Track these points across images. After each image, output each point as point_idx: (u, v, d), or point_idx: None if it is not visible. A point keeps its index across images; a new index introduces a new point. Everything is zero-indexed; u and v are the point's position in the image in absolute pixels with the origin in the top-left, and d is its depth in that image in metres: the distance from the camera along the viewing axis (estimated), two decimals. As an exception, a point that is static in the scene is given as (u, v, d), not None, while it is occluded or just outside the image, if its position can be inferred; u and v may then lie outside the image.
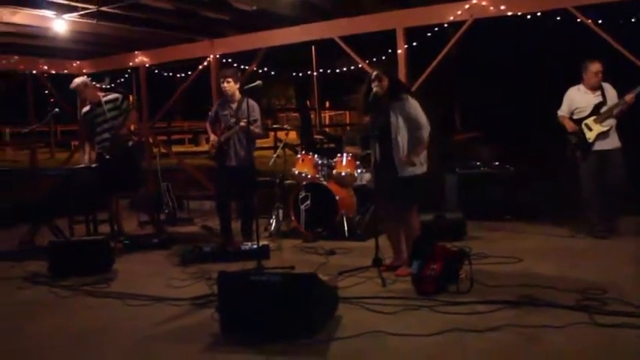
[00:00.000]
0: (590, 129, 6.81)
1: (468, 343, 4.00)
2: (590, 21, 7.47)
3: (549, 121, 7.19)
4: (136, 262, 6.84)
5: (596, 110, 6.80)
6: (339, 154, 7.95)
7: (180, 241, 7.59)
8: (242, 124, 6.74)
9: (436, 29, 8.45)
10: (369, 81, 5.73)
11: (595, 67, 6.77)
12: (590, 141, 6.79)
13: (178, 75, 11.61)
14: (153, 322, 4.71)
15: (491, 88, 19.68)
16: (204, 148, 20.76)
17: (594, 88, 6.84)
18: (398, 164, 5.57)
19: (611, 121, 6.77)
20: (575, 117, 6.92)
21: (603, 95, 6.80)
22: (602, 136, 6.76)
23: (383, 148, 5.66)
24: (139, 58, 10.82)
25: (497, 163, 8.33)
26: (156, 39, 10.10)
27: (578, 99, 6.93)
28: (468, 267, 5.19)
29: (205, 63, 10.16)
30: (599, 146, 6.79)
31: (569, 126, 6.94)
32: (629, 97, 6.59)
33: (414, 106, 5.61)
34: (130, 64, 10.99)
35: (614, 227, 6.87)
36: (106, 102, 7.81)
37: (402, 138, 5.56)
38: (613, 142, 6.79)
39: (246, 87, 6.34)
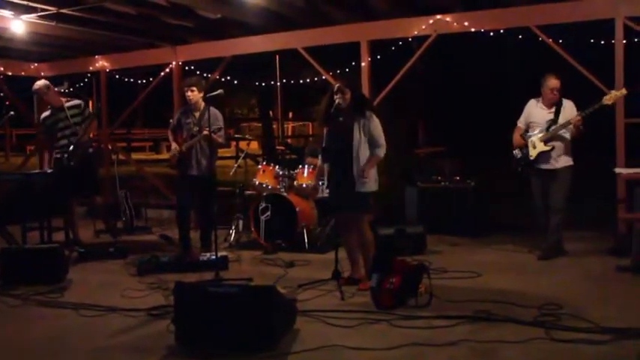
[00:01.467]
0: (534, 146, 6.72)
1: (426, 358, 4.04)
2: (550, 40, 7.63)
3: (511, 135, 7.25)
4: (91, 271, 6.73)
5: (547, 127, 6.67)
6: (300, 166, 7.98)
7: (137, 251, 7.50)
8: (205, 132, 6.73)
9: (400, 43, 8.55)
10: (331, 93, 5.77)
11: (552, 82, 6.64)
12: (532, 158, 6.72)
13: (140, 81, 11.51)
14: (107, 333, 4.64)
15: (457, 103, 19.94)
16: (165, 156, 20.42)
17: (550, 104, 6.72)
18: (357, 179, 5.61)
19: (558, 142, 6.63)
20: (530, 132, 6.84)
21: (557, 113, 6.65)
22: (543, 155, 6.66)
23: (341, 161, 5.69)
24: (100, 62, 10.70)
25: (457, 178, 8.42)
26: (117, 43, 10.01)
27: (534, 113, 6.85)
28: (427, 281, 5.24)
29: (168, 70, 10.09)
30: (542, 165, 6.71)
31: (515, 140, 6.91)
32: (576, 118, 6.43)
33: (377, 125, 5.68)
34: (90, 68, 10.85)
35: (553, 246, 6.81)
36: (69, 107, 7.72)
37: (363, 154, 5.61)
38: (557, 163, 6.65)
39: (208, 95, 6.34)
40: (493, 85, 19.89)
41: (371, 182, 5.66)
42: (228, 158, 14.94)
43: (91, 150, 7.84)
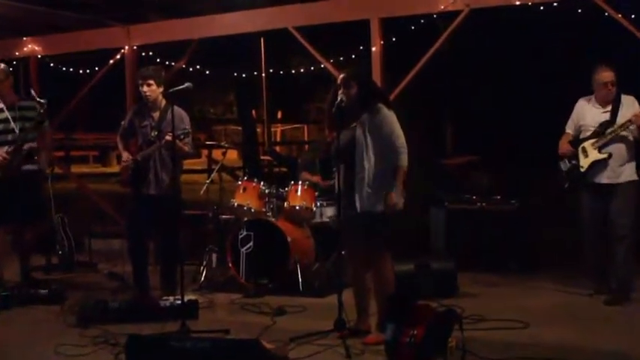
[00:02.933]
0: (585, 155, 6.77)
1: None
2: (620, 15, 7.61)
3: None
4: (17, 321, 6.71)
5: (601, 130, 6.70)
6: (292, 182, 7.98)
7: (78, 294, 7.48)
8: (167, 138, 6.74)
9: (422, 22, 8.59)
10: (335, 87, 5.80)
11: (604, 75, 6.70)
12: (583, 170, 6.78)
13: (82, 71, 11.52)
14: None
15: (495, 99, 19.92)
16: (115, 169, 20.53)
17: (605, 102, 6.76)
18: (359, 196, 5.61)
19: (618, 148, 6.65)
20: (581, 136, 6.89)
21: (614, 112, 6.68)
22: (598, 165, 6.69)
23: (346, 174, 5.72)
24: (29, 46, 10.71)
25: (498, 197, 8.43)
26: (52, 22, 10.03)
27: (585, 113, 6.91)
28: (458, 333, 5.23)
29: (118, 56, 10.12)
30: (595, 178, 6.73)
31: (562, 148, 6.98)
32: (636, 114, 6.50)
33: (389, 119, 5.66)
34: (17, 53, 10.84)
35: (624, 286, 6.80)
36: (22, 107, 7.65)
37: (369, 162, 5.61)
38: (618, 175, 6.67)
39: (171, 90, 6.35)
40: (542, 77, 19.89)
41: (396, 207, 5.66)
42: (197, 172, 14.99)
43: (37, 166, 7.74)
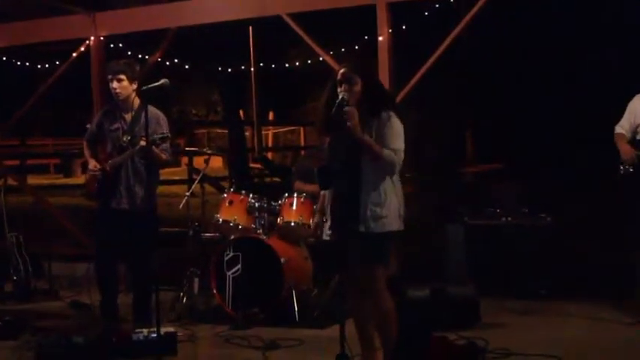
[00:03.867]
0: None
1: None
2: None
3: (606, 144, 7.27)
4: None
5: None
6: (287, 194, 8.00)
7: (36, 327, 7.47)
8: (141, 144, 6.75)
9: (437, 6, 8.62)
10: (333, 83, 5.77)
11: None
12: None
13: (40, 66, 11.56)
14: None
15: (523, 99, 19.92)
16: (80, 180, 20.52)
17: None
18: (364, 214, 5.61)
19: None
20: (638, 137, 7.00)
21: None
22: None
23: (344, 186, 5.69)
24: (-23, 37, 10.75)
25: (526, 210, 8.44)
26: (4, 8, 10.04)
27: None
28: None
29: (83, 48, 10.14)
30: None
31: (624, 150, 7.04)
32: None
33: (397, 131, 5.63)
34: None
35: None
36: None
37: (375, 175, 5.58)
38: None
39: (145, 88, 6.36)
40: (578, 72, 19.86)
41: (391, 217, 5.65)
42: (176, 183, 14.97)
43: None
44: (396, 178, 5.66)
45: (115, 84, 7.13)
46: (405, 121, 5.75)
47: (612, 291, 8.09)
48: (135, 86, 7.16)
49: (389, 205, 5.60)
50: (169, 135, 7.11)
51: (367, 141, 5.50)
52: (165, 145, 7.06)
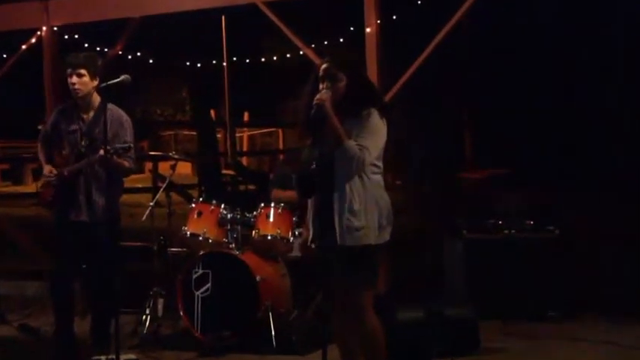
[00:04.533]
0: None
1: None
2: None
3: (631, 146, 7.29)
4: None
5: None
6: (263, 204, 8.00)
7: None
8: (101, 152, 6.69)
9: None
10: (314, 79, 5.77)
11: None
12: None
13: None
14: None
15: (526, 95, 19.96)
16: (32, 188, 20.48)
17: None
18: (339, 224, 5.58)
19: None
20: None
21: None
22: None
23: (324, 194, 5.67)
24: None
25: (531, 222, 8.46)
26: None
27: None
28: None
29: (34, 40, 10.11)
30: None
31: None
32: None
33: (372, 129, 5.59)
34: None
35: None
36: None
37: (354, 182, 5.56)
38: None
39: (103, 85, 6.33)
40: (592, 67, 19.88)
41: (368, 228, 5.62)
42: (139, 191, 14.95)
43: None
44: (376, 182, 5.63)
45: (74, 79, 7.03)
46: (393, 121, 5.75)
47: (629, 313, 8.12)
48: (96, 83, 7.05)
49: (365, 215, 5.56)
50: (132, 145, 6.98)
51: (334, 122, 5.48)
52: (131, 153, 6.98)
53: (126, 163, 6.98)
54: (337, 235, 5.55)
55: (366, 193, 5.56)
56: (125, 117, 7.09)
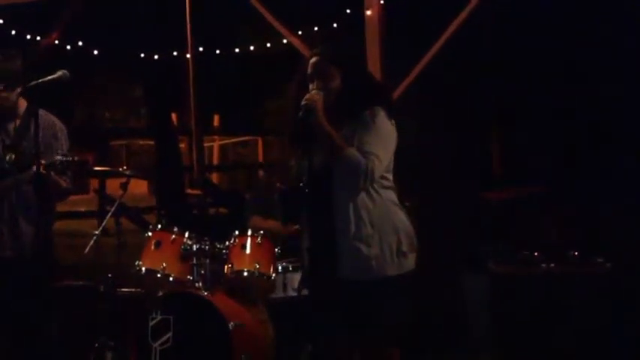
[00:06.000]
0: None
1: None
2: None
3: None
4: None
5: None
6: (237, 232, 8.05)
7: None
8: (34, 168, 6.69)
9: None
10: (302, 75, 5.83)
11: None
12: None
13: None
14: None
15: (566, 99, 19.99)
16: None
17: None
18: (342, 254, 5.63)
19: None
20: None
21: None
22: None
23: (322, 216, 5.71)
24: None
25: (574, 253, 8.49)
26: None
27: None
28: None
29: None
30: None
31: None
32: None
33: (380, 132, 5.63)
34: None
35: None
36: None
37: (358, 200, 5.60)
38: None
39: (34, 83, 6.36)
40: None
41: (384, 256, 5.61)
42: (82, 216, 14.97)
43: None
44: (389, 198, 5.69)
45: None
46: (402, 127, 5.78)
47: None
48: (19, 90, 7.06)
49: (379, 239, 5.59)
50: (72, 158, 6.90)
51: (327, 128, 5.52)
52: (68, 174, 7.03)
53: (63, 182, 6.98)
54: (341, 266, 5.60)
55: (377, 212, 5.60)
56: (59, 125, 7.13)
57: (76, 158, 6.93)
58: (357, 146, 5.52)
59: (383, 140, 5.61)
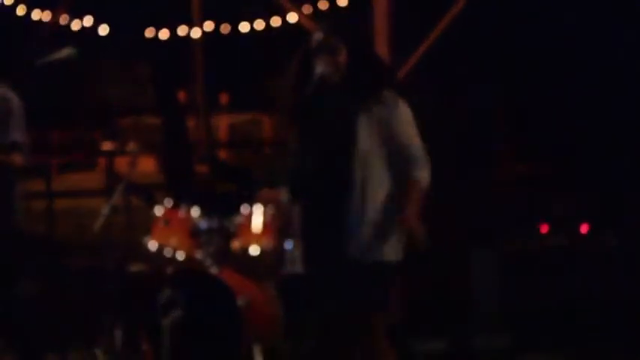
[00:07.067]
0: None
1: None
2: None
3: None
4: None
5: None
6: (245, 208, 8.07)
7: None
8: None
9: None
10: (304, 52, 5.82)
11: None
12: None
13: None
14: None
15: (575, 74, 19.90)
16: None
17: None
18: (354, 238, 5.61)
19: None
20: None
21: None
22: None
23: (325, 199, 5.72)
24: None
25: (585, 230, 8.46)
26: None
27: None
28: None
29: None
30: None
31: None
32: None
33: (406, 118, 5.65)
34: None
35: None
36: None
37: (374, 182, 5.61)
38: None
39: (41, 60, 6.36)
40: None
41: (396, 241, 5.68)
42: (90, 195, 14.92)
43: None
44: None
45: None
46: (410, 106, 5.78)
47: None
48: None
49: (394, 225, 5.60)
50: (20, 142, 6.90)
51: (413, 205, 5.50)
52: (25, 150, 6.95)
53: (16, 160, 6.88)
54: (353, 247, 5.57)
55: (389, 198, 5.61)
56: (15, 100, 6.89)
57: (19, 143, 6.89)
58: (405, 146, 5.56)
59: (415, 129, 5.64)
